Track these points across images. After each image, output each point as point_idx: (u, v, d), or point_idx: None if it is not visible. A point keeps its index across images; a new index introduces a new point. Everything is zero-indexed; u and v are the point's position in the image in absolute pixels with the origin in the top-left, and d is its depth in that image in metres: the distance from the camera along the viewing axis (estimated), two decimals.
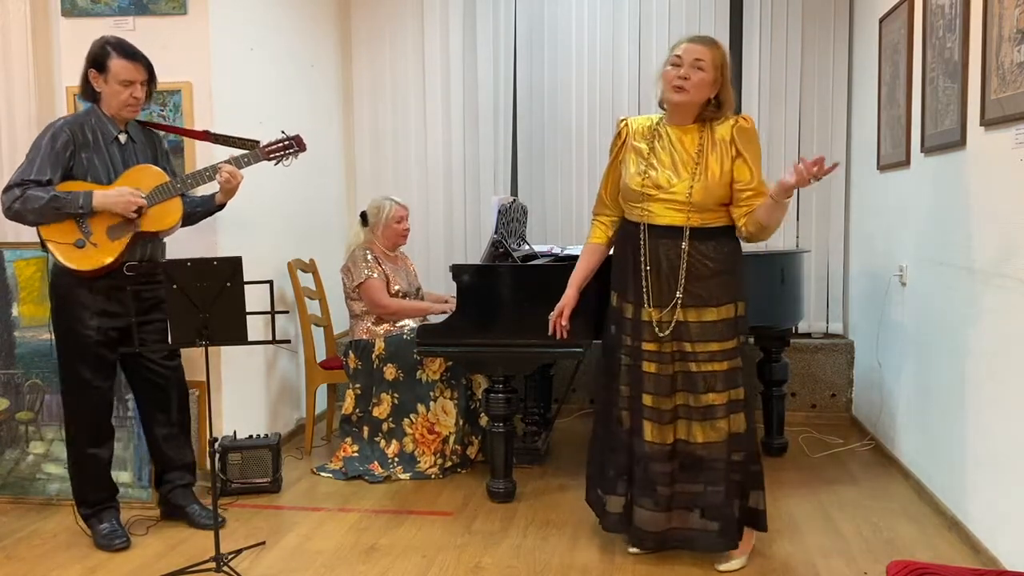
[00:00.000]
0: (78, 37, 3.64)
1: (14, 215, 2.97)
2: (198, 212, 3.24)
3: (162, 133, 3.35)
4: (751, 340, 2.91)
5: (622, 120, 2.94)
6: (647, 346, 2.81)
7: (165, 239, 3.23)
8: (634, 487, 2.87)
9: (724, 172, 2.73)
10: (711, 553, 2.87)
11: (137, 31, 3.56)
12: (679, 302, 2.76)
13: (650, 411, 2.81)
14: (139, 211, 2.98)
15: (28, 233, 3.61)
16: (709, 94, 2.75)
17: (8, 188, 2.96)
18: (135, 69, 3.02)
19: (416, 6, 5.10)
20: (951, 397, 3.18)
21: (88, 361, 3.08)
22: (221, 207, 3.26)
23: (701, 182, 2.72)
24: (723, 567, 2.84)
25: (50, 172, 2.96)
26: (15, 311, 3.58)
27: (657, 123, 2.86)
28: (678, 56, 2.74)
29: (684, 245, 2.75)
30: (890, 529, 3.20)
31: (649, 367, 2.81)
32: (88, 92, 3.09)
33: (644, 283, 2.80)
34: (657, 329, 2.78)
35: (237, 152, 3.20)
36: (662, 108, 2.87)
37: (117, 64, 3.01)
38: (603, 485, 2.97)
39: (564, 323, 3.05)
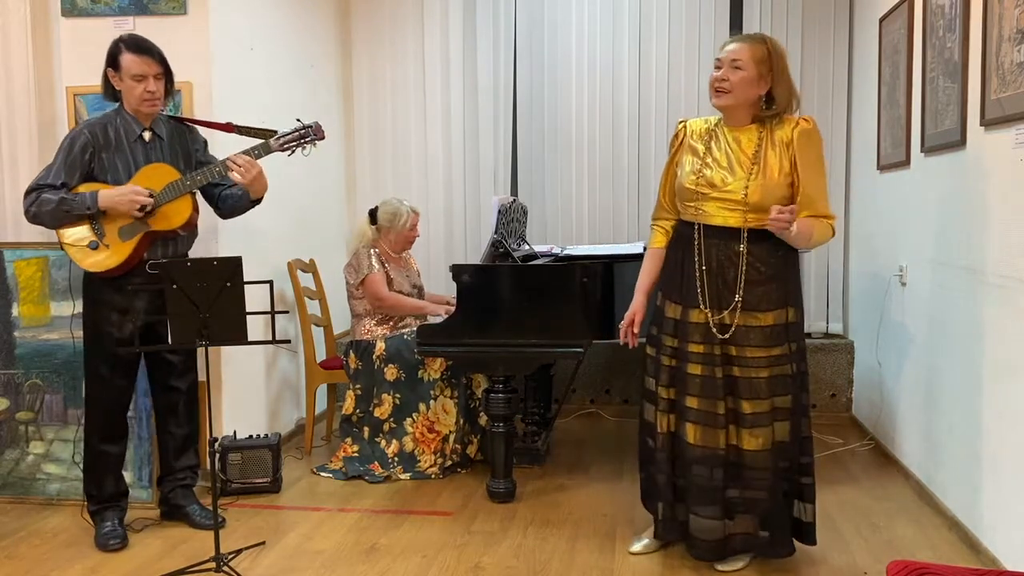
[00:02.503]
0: (78, 37, 3.65)
1: (32, 218, 3.04)
2: (238, 206, 3.25)
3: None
4: (803, 344, 2.83)
5: (680, 122, 2.90)
6: (694, 348, 2.74)
7: (186, 236, 3.22)
8: (688, 494, 2.80)
9: (784, 173, 2.67)
10: (769, 559, 2.83)
11: (137, 31, 3.56)
12: (739, 305, 2.70)
13: (696, 414, 2.74)
14: (143, 209, 2.98)
15: (28, 233, 3.63)
16: (757, 91, 2.70)
17: (27, 193, 3.03)
18: (145, 63, 3.03)
19: (416, 6, 5.10)
20: (951, 397, 3.18)
21: (108, 358, 3.12)
22: (256, 202, 3.25)
23: (757, 180, 2.66)
24: (723, 567, 2.83)
25: (65, 176, 3.01)
26: (15, 311, 3.58)
27: (715, 124, 2.81)
28: (719, 59, 2.72)
29: (742, 248, 2.69)
30: (890, 529, 3.19)
31: (695, 369, 2.74)
32: (109, 92, 3.12)
33: (698, 284, 2.73)
34: (716, 331, 2.71)
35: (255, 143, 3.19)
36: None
37: (127, 59, 3.03)
38: (651, 491, 2.93)
39: (636, 331, 2.95)
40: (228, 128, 3.24)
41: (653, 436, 2.88)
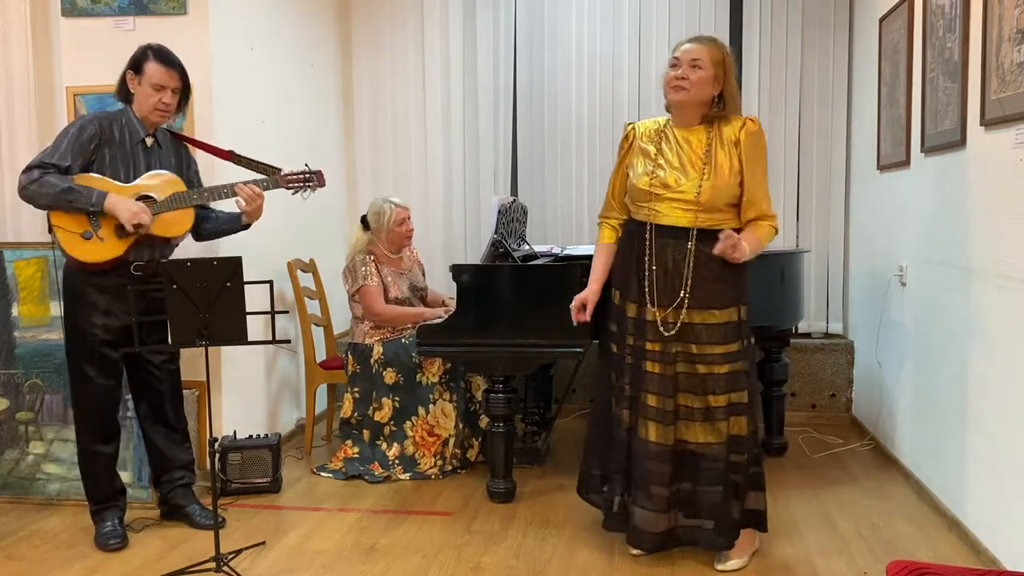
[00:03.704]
0: (78, 37, 3.65)
1: (28, 196, 2.98)
2: (223, 229, 3.29)
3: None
4: (751, 341, 2.89)
5: (629, 124, 2.95)
6: (650, 346, 2.81)
7: (176, 244, 3.25)
8: (632, 487, 2.87)
9: (734, 172, 2.73)
10: (708, 551, 2.88)
11: (137, 31, 3.57)
12: (684, 302, 2.76)
13: (654, 411, 2.80)
14: (137, 228, 2.99)
15: (28, 233, 3.62)
16: (712, 92, 2.75)
17: (28, 168, 2.98)
18: (168, 75, 3.07)
19: (416, 6, 5.10)
20: (951, 397, 3.18)
21: (93, 358, 3.11)
22: (246, 227, 3.29)
23: (710, 181, 2.72)
24: (722, 567, 2.84)
25: (71, 159, 3.00)
26: (15, 311, 3.58)
27: (664, 125, 2.86)
28: (676, 58, 2.76)
29: (690, 246, 2.75)
30: (890, 529, 3.20)
31: (652, 367, 2.81)
32: (123, 92, 3.13)
33: (648, 283, 2.80)
34: (662, 328, 2.78)
35: (257, 176, 3.24)
36: (668, 112, 2.87)
37: (152, 68, 3.06)
38: (607, 483, 2.97)
39: (585, 318, 3.01)
40: (229, 157, 3.27)
41: (615, 430, 2.92)
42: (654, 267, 2.79)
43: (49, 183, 2.94)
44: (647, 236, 2.80)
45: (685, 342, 2.78)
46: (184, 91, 3.15)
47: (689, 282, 2.75)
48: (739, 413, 2.79)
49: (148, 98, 3.07)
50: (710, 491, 2.79)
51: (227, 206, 3.32)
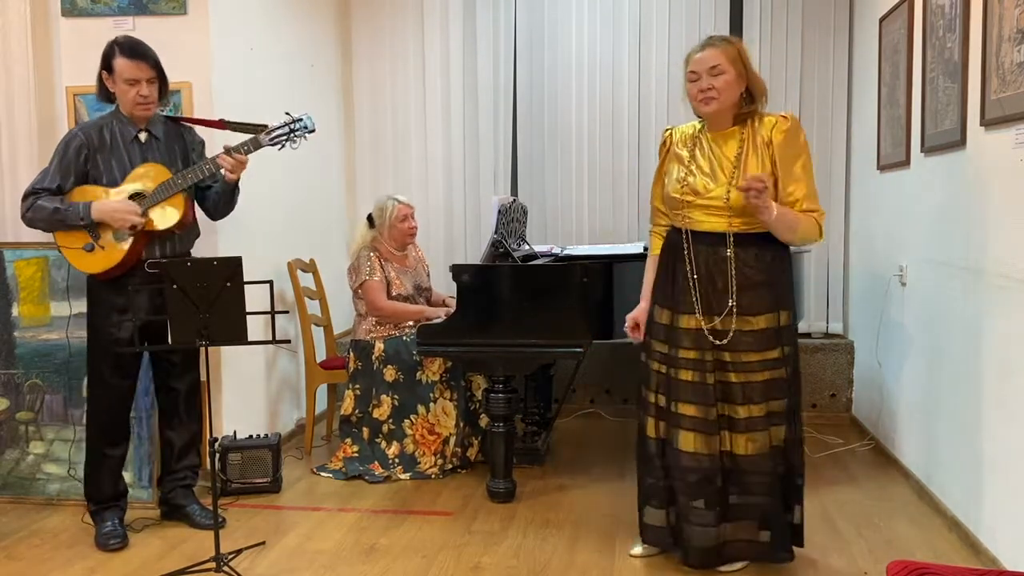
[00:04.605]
0: (78, 37, 3.65)
1: (28, 223, 3.09)
2: (222, 199, 3.23)
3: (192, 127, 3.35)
4: (795, 347, 2.81)
5: (667, 129, 2.91)
6: (684, 353, 2.74)
7: (185, 234, 3.22)
8: (678, 501, 2.79)
9: (767, 174, 2.64)
10: (766, 563, 2.82)
11: (137, 31, 3.56)
12: (733, 310, 2.68)
13: (690, 420, 2.73)
14: (134, 228, 3.00)
15: (28, 233, 3.62)
16: (739, 90, 2.69)
17: (24, 197, 3.06)
18: (138, 67, 3.04)
19: (416, 6, 5.10)
20: (951, 397, 3.18)
21: (109, 359, 3.12)
22: (235, 185, 3.20)
23: (739, 185, 2.64)
24: (724, 568, 2.83)
25: (60, 179, 3.04)
26: (15, 311, 3.58)
27: (699, 130, 2.81)
28: (693, 71, 2.70)
29: (729, 252, 2.69)
30: (890, 529, 3.20)
31: (686, 375, 2.73)
32: (103, 94, 3.13)
33: (692, 291, 2.73)
34: (712, 338, 2.70)
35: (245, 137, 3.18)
36: (698, 117, 2.83)
37: (120, 63, 3.03)
38: (641, 496, 2.92)
39: (640, 336, 2.94)
40: (220, 125, 3.25)
41: (646, 442, 2.87)
42: (696, 275, 2.72)
43: (40, 207, 3.00)
44: (684, 243, 2.75)
45: (721, 350, 2.71)
46: (161, 79, 3.10)
47: (734, 288, 2.68)
48: (779, 423, 2.72)
49: (126, 94, 3.05)
50: (762, 502, 2.72)
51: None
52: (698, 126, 2.83)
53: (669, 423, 2.78)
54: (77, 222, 3.00)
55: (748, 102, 2.72)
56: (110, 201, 3.02)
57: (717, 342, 2.70)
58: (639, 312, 2.95)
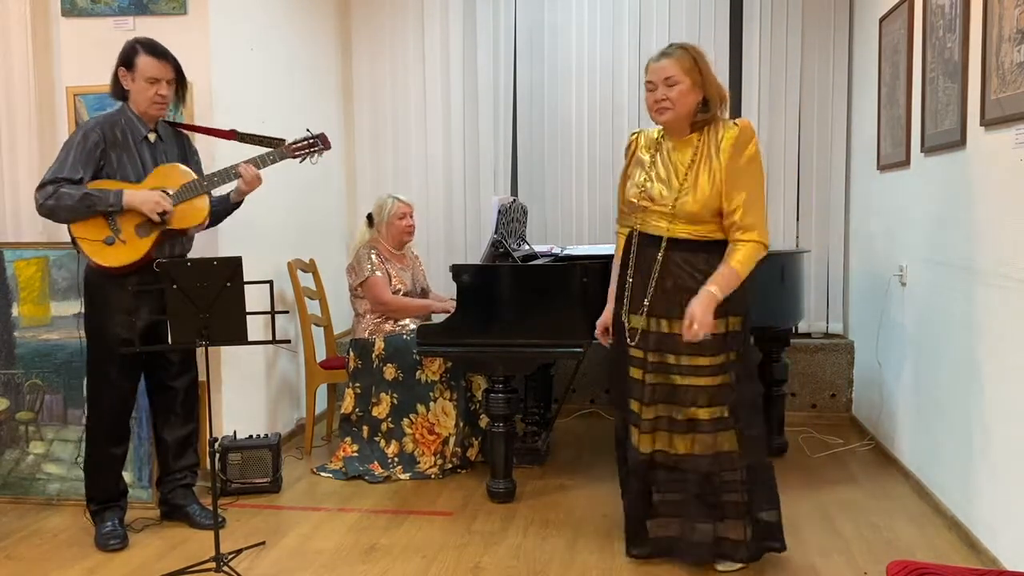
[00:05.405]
0: (78, 37, 3.65)
1: (47, 211, 3.01)
2: (219, 211, 3.28)
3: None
4: (743, 353, 2.80)
5: (633, 133, 2.93)
6: (633, 352, 2.82)
7: (194, 235, 3.26)
8: (629, 492, 2.89)
9: (715, 184, 2.65)
10: (766, 563, 2.84)
11: (137, 31, 3.56)
12: (645, 310, 2.75)
13: (635, 417, 2.81)
14: (163, 215, 3.00)
15: (28, 233, 3.63)
16: (695, 99, 2.69)
17: (42, 185, 3.00)
18: (162, 67, 3.06)
19: (416, 6, 5.10)
20: (951, 397, 3.18)
21: (114, 359, 3.11)
22: (237, 205, 3.29)
23: (688, 195, 2.67)
24: (723, 567, 2.83)
25: (82, 170, 3.01)
26: (15, 311, 3.58)
27: (661, 135, 2.84)
28: (650, 81, 2.72)
29: (659, 255, 2.73)
30: (890, 529, 3.20)
31: (635, 373, 2.82)
32: (117, 90, 3.12)
33: (634, 291, 2.81)
34: (628, 336, 2.81)
35: (262, 150, 3.23)
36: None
37: (144, 61, 3.04)
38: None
39: (608, 340, 2.99)
40: (231, 136, 3.26)
41: (616, 434, 2.98)
42: (633, 276, 2.81)
43: (66, 195, 2.96)
44: (633, 244, 2.82)
45: (662, 352, 2.75)
46: (180, 81, 3.13)
47: (651, 289, 2.74)
48: (725, 428, 2.72)
49: (144, 92, 3.06)
50: (703, 504, 2.75)
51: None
52: (662, 131, 2.85)
53: (625, 418, 2.88)
54: (107, 208, 2.97)
55: (705, 110, 2.71)
56: (143, 191, 3.02)
57: (630, 341, 2.79)
58: (606, 315, 3.00)
